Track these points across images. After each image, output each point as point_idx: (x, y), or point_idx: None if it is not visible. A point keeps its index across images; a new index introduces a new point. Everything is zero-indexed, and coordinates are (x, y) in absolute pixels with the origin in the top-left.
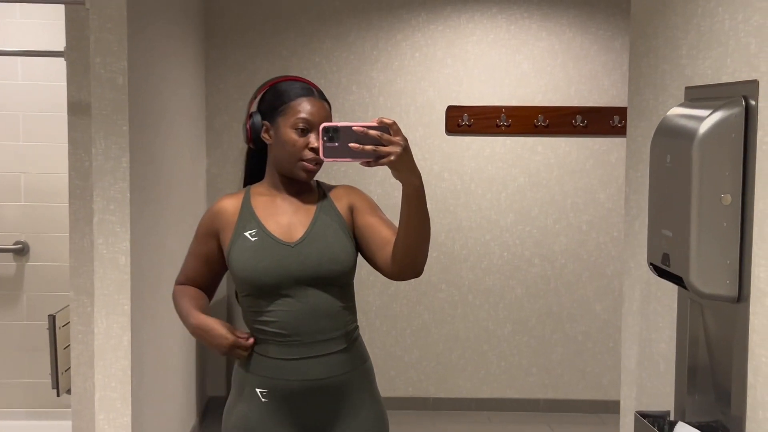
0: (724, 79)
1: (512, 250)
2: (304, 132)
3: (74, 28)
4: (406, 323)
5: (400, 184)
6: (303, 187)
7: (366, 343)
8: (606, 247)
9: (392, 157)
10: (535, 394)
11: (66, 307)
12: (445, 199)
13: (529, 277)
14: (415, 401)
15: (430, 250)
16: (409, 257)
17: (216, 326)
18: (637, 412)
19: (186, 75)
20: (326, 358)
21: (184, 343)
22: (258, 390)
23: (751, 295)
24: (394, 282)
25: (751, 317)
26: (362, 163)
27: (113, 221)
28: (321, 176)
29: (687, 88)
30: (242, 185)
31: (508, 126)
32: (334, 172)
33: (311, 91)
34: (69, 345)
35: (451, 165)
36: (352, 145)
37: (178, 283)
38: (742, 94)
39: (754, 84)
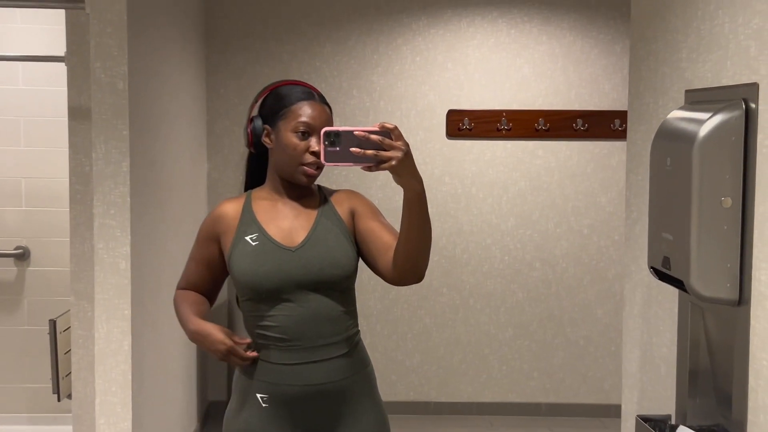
0: (724, 82)
1: (513, 254)
2: (305, 136)
3: (75, 33)
4: (408, 327)
5: (402, 189)
6: (304, 191)
7: (367, 348)
8: (607, 250)
9: (393, 162)
10: (537, 398)
11: (67, 311)
12: (446, 203)
13: (530, 281)
14: (417, 405)
15: (431, 254)
16: (410, 262)
17: (214, 331)
18: (638, 416)
19: (186, 79)
20: (327, 363)
21: (185, 347)
22: (259, 395)
23: (752, 299)
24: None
25: (752, 320)
26: (363, 168)
27: (113, 226)
28: (322, 180)
29: (687, 92)
30: (243, 190)
31: (509, 130)
32: (335, 176)
33: (312, 94)
34: (70, 350)
35: (451, 169)
36: (353, 149)
37: (179, 288)
38: (742, 97)
39: (754, 87)
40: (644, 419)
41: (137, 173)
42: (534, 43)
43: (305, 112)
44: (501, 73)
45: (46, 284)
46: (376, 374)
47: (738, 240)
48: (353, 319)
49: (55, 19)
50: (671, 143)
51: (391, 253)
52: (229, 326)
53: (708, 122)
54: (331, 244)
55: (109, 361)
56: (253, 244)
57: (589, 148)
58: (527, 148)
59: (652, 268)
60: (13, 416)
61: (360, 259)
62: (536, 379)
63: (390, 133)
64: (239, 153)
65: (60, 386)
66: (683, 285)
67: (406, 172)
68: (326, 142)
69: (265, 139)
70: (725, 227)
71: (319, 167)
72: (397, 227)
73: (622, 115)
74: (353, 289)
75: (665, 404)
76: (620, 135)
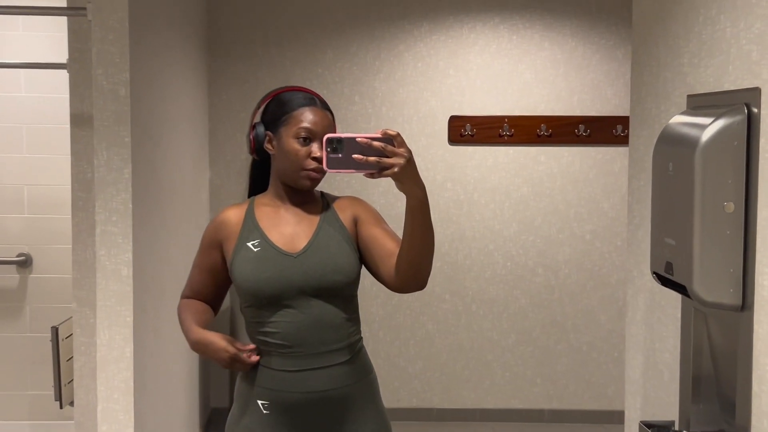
0: (726, 87)
1: (516, 259)
2: (306, 141)
3: (76, 40)
4: (410, 334)
5: (404, 196)
6: (307, 197)
7: (369, 354)
8: (610, 256)
9: (396, 169)
10: (540, 405)
11: (69, 318)
12: (449, 209)
13: (532, 286)
14: (419, 412)
15: (433, 260)
16: (412, 269)
17: (216, 340)
18: (641, 422)
19: (188, 86)
20: (329, 370)
21: (187, 354)
22: (260, 402)
23: (755, 304)
24: None
25: (756, 326)
26: (366, 175)
27: (115, 233)
28: (324, 187)
29: (689, 96)
30: (247, 196)
31: (511, 136)
32: (338, 183)
33: (313, 100)
34: (72, 357)
35: (454, 175)
36: (355, 156)
37: (184, 296)
38: (744, 101)
39: (756, 91)
40: (647, 425)
41: (139, 180)
42: (536, 49)
43: (307, 117)
44: (503, 79)
45: (49, 291)
46: (379, 381)
47: (741, 245)
48: (356, 326)
49: (57, 27)
50: (673, 148)
51: (393, 260)
52: (232, 333)
53: (710, 127)
54: (333, 250)
55: (111, 368)
56: (255, 250)
57: (591, 153)
58: (529, 154)
59: (654, 273)
60: (15, 423)
61: (363, 266)
62: (539, 385)
63: (392, 139)
64: (241, 160)
65: (62, 393)
66: (686, 290)
67: (409, 178)
68: (328, 149)
69: (267, 146)
70: (728, 232)
71: (321, 172)
72: (400, 234)
73: (624, 121)
74: (356, 296)
75: (668, 410)
76: (622, 140)
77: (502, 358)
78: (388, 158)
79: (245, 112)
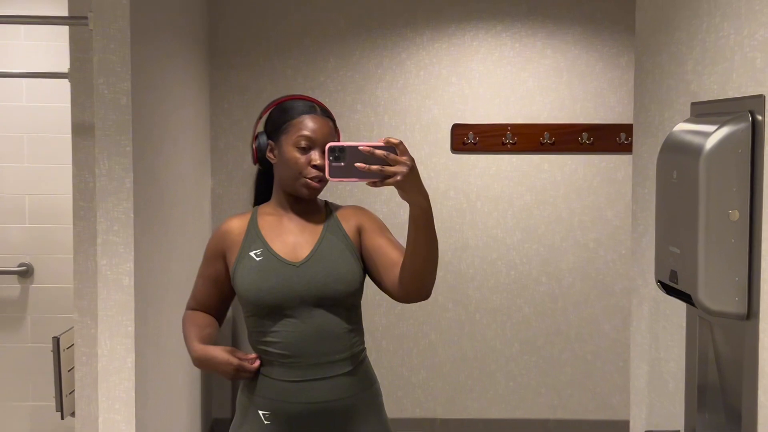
0: (730, 95)
1: (519, 268)
2: (306, 150)
3: (78, 49)
4: (413, 343)
5: (407, 204)
6: (310, 206)
7: (372, 364)
8: (614, 265)
9: (399, 177)
10: (544, 415)
11: (70, 329)
12: (451, 217)
13: (536, 295)
14: (423, 422)
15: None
16: (416, 279)
17: (218, 353)
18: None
19: (190, 95)
20: (331, 381)
21: (189, 364)
22: (261, 412)
23: (761, 312)
24: None
25: (761, 335)
26: (368, 183)
27: (117, 242)
28: (326, 195)
29: (693, 104)
30: (252, 206)
31: (514, 144)
32: (340, 191)
33: (314, 108)
34: (73, 367)
35: (456, 183)
36: (358, 165)
37: (189, 307)
38: (748, 109)
39: (760, 99)
40: None
41: (140, 189)
42: (538, 57)
43: (306, 125)
44: (505, 87)
45: (50, 301)
46: (382, 391)
47: (746, 253)
48: (359, 337)
49: (59, 36)
50: (677, 156)
51: (397, 270)
52: (234, 343)
53: (714, 135)
54: (336, 259)
55: (113, 379)
56: (257, 259)
57: (594, 161)
58: (533, 162)
59: (659, 282)
60: None
61: (367, 276)
62: (543, 395)
63: (395, 147)
64: (243, 169)
65: (63, 404)
66: (691, 299)
67: (412, 187)
68: (331, 158)
69: (269, 155)
70: (733, 240)
71: (322, 180)
72: (404, 243)
73: (627, 129)
74: (359, 306)
75: (674, 420)
76: (626, 148)
77: (506, 367)
78: (391, 167)
79: (247, 120)
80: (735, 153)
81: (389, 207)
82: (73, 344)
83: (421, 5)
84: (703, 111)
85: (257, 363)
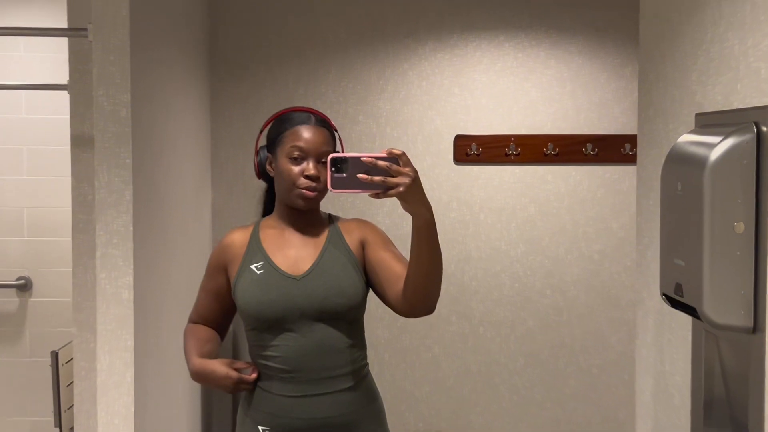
0: (735, 105)
1: (523, 280)
2: (299, 160)
3: (77, 61)
4: (416, 357)
5: (410, 216)
6: (312, 219)
7: (374, 377)
8: (619, 277)
9: (401, 189)
10: (549, 429)
11: (69, 343)
12: (454, 229)
13: (540, 308)
14: None
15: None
16: (420, 293)
17: (217, 367)
18: None
19: (190, 106)
20: (332, 396)
21: (189, 379)
22: (261, 427)
23: (767, 326)
24: None
25: None
26: (371, 195)
27: (116, 255)
28: (327, 207)
29: (697, 115)
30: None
31: (518, 155)
32: (341, 202)
33: (309, 118)
34: (72, 382)
35: (459, 195)
36: (360, 176)
37: (191, 320)
38: (753, 120)
39: (765, 110)
40: None
41: (140, 201)
42: (542, 67)
43: (299, 135)
44: (509, 98)
45: (49, 315)
46: (385, 405)
47: (752, 266)
48: (361, 352)
49: (58, 48)
50: (682, 167)
51: (401, 284)
52: (234, 357)
53: (719, 146)
54: (338, 273)
55: (112, 394)
56: (258, 272)
57: (599, 172)
58: (536, 173)
59: (664, 295)
60: None
61: (370, 290)
62: (548, 409)
63: (398, 159)
64: (244, 181)
65: (62, 419)
66: (696, 312)
67: (415, 198)
68: (333, 169)
69: (268, 168)
70: (738, 253)
71: (316, 191)
72: (407, 256)
73: (632, 140)
74: (361, 320)
75: None
76: (630, 159)
77: (510, 381)
78: (394, 178)
79: (248, 132)
80: (740, 164)
81: (392, 219)
82: (71, 359)
83: (423, 16)
84: (708, 122)
85: (255, 374)
